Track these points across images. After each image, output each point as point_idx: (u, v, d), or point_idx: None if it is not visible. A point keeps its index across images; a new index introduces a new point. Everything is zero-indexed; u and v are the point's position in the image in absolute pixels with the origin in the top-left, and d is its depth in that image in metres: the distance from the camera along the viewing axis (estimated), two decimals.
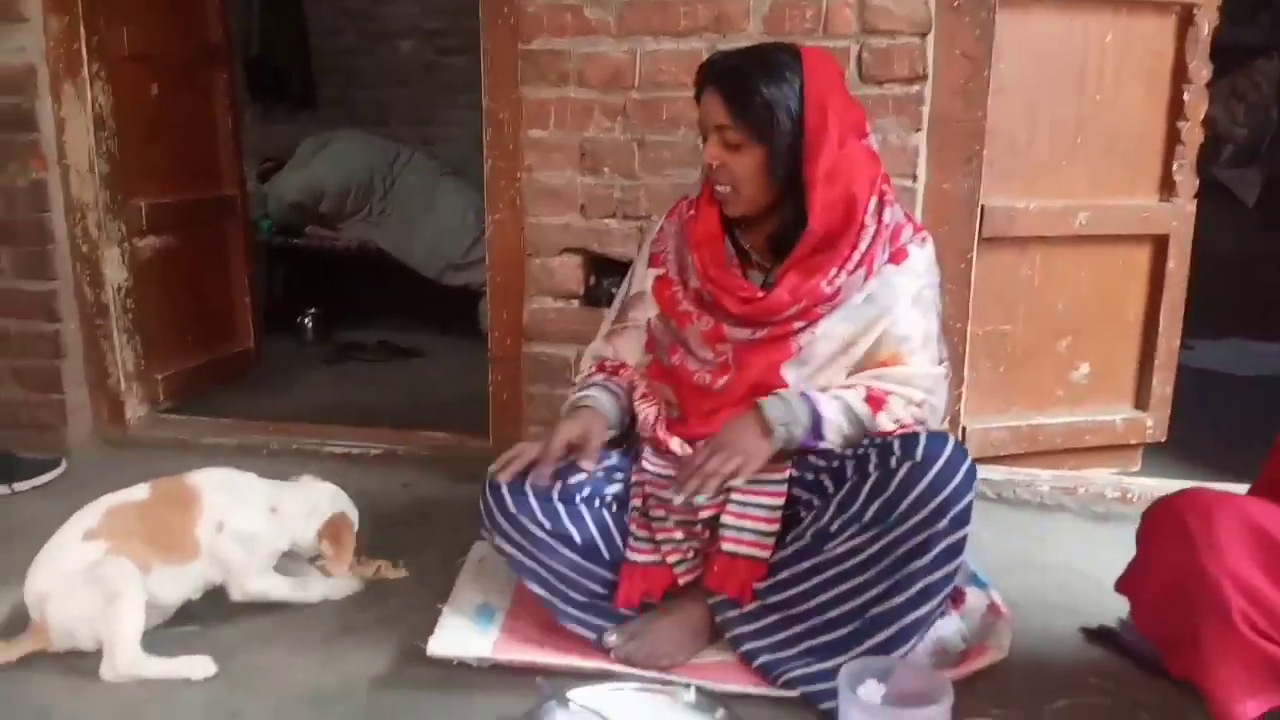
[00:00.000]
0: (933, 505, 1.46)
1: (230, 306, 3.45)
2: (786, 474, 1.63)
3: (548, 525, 1.64)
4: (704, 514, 1.62)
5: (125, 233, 2.83)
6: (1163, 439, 2.60)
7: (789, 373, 1.65)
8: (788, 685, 1.55)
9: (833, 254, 1.62)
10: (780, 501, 1.61)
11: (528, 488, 1.64)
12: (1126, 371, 2.59)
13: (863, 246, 1.62)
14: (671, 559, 1.65)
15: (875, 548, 1.50)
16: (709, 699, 1.51)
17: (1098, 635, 1.78)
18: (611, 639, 1.63)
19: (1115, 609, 1.77)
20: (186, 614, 1.78)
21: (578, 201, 2.39)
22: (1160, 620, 1.39)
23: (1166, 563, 1.34)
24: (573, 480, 1.68)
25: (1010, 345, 2.47)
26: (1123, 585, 1.49)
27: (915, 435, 1.53)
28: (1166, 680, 1.59)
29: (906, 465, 1.48)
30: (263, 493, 1.86)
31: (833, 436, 1.60)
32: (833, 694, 1.39)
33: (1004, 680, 1.61)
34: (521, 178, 2.40)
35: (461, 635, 1.68)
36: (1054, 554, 2.12)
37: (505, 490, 1.65)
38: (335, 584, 1.90)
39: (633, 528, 1.67)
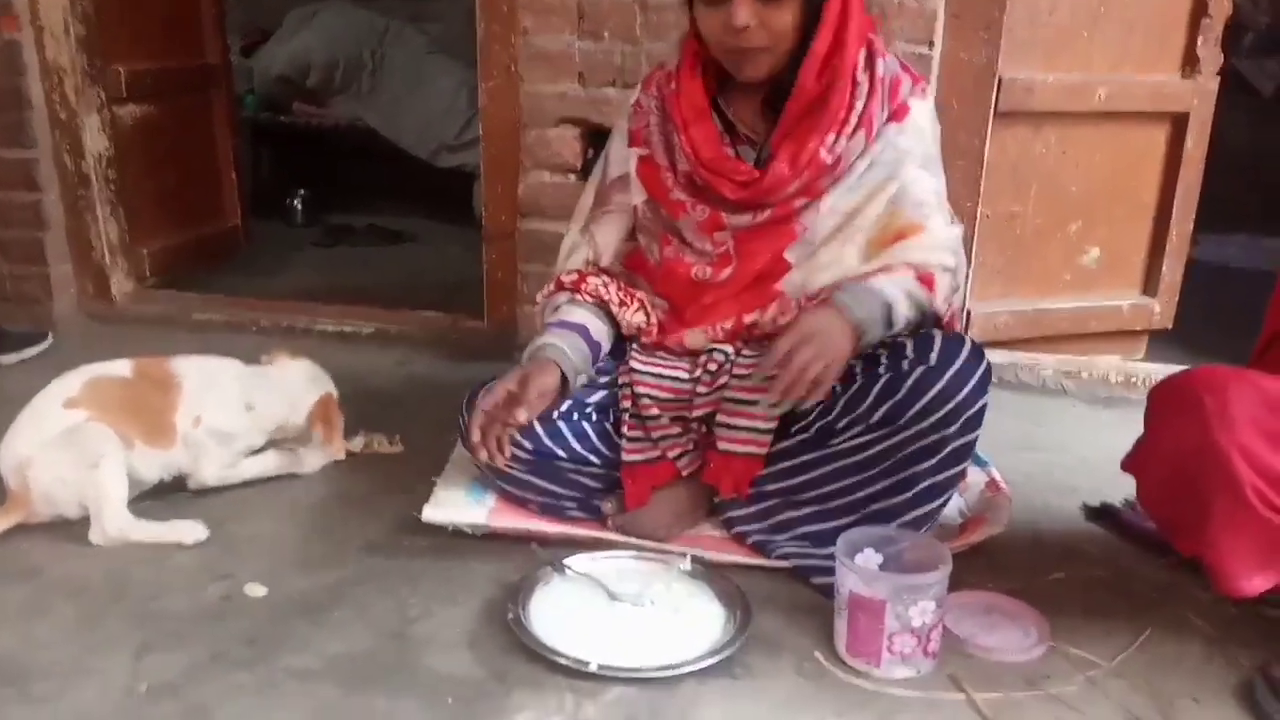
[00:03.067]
0: (944, 411, 1.41)
1: (216, 182, 3.36)
2: None
3: (529, 446, 1.57)
4: (697, 411, 1.57)
5: (104, 99, 2.73)
6: (1169, 326, 2.56)
7: (792, 254, 1.56)
8: (781, 559, 1.54)
9: (825, 114, 1.48)
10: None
11: None
12: (1136, 257, 2.53)
13: (858, 106, 1.49)
14: (672, 454, 1.59)
15: (881, 447, 1.46)
16: (704, 568, 1.49)
17: (1097, 513, 1.78)
18: (608, 506, 1.61)
19: (1116, 491, 1.77)
20: (177, 481, 1.76)
21: (575, 68, 2.27)
22: (1168, 497, 1.36)
23: (1177, 438, 1.31)
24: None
25: (1019, 227, 2.41)
26: (1129, 464, 1.46)
27: (929, 336, 1.46)
28: (1164, 556, 1.59)
29: (920, 369, 1.42)
30: (240, 388, 1.80)
31: (900, 328, 1.48)
32: (825, 569, 1.38)
33: (1001, 554, 1.60)
34: (516, 42, 2.28)
35: (456, 504, 1.66)
36: (1056, 437, 2.10)
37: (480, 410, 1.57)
38: (317, 458, 1.87)
39: (625, 430, 1.59)
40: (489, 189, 2.46)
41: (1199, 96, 2.40)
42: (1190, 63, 2.39)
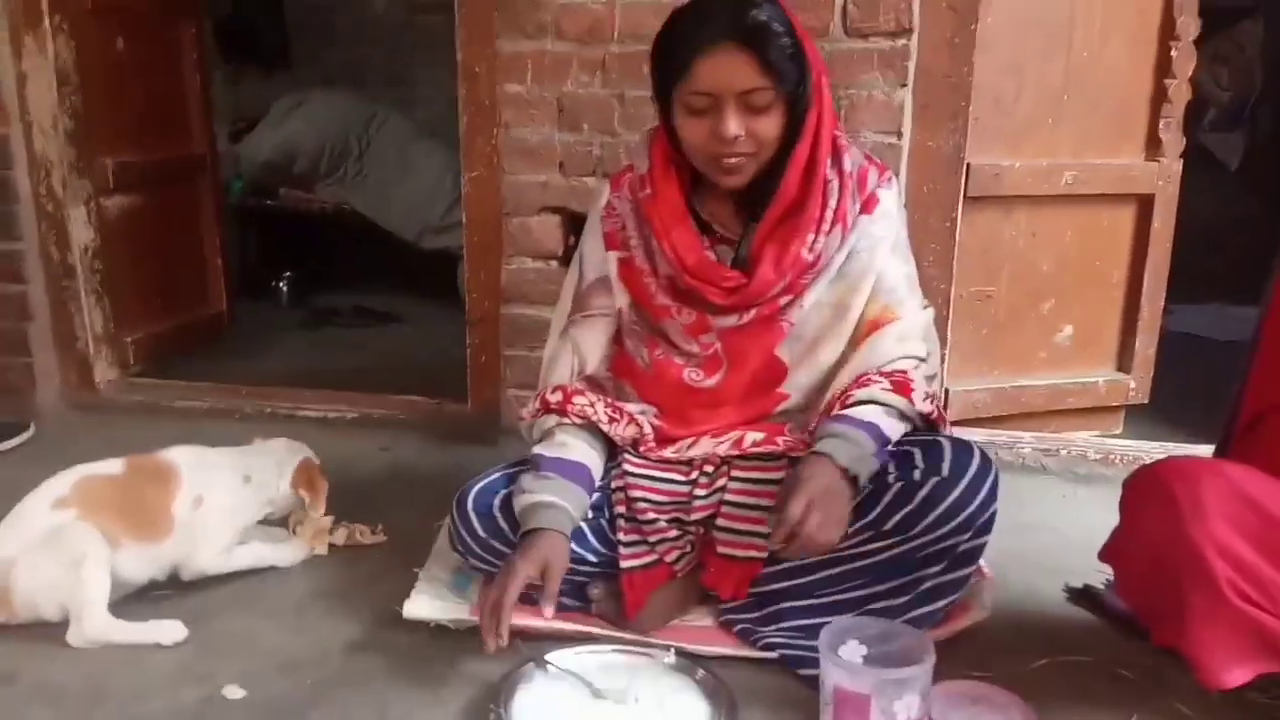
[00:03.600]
0: (958, 520, 1.42)
1: (202, 268, 3.39)
2: (783, 475, 1.55)
3: None
4: (696, 515, 1.58)
5: (92, 191, 2.76)
6: (1145, 401, 2.59)
7: (784, 352, 1.58)
8: (767, 648, 1.53)
9: (804, 216, 1.51)
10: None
11: (495, 512, 1.58)
12: (1109, 334, 2.58)
13: (832, 203, 1.52)
14: (670, 557, 1.58)
15: (891, 554, 1.46)
16: (689, 661, 1.49)
17: (1080, 595, 1.78)
18: (595, 591, 1.60)
19: (1097, 571, 1.77)
20: (158, 580, 1.75)
21: (556, 159, 2.33)
22: (1145, 589, 1.38)
23: (1151, 531, 1.32)
24: None
25: (994, 307, 2.46)
26: (1106, 554, 1.47)
27: (939, 445, 1.48)
28: (1147, 640, 1.58)
29: (933, 480, 1.43)
30: (233, 463, 1.83)
31: (895, 441, 1.50)
32: (813, 660, 1.37)
33: (986, 640, 1.59)
34: (498, 134, 2.34)
35: (438, 598, 1.65)
36: (1036, 516, 2.11)
37: (473, 516, 1.58)
38: (296, 551, 1.87)
39: (621, 536, 1.58)
40: (472, 275, 2.49)
41: (1163, 178, 2.47)
42: (1153, 146, 2.46)
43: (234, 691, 1.46)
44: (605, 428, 1.59)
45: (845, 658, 1.32)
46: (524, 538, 1.48)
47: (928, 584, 1.47)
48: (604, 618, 1.60)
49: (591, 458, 1.58)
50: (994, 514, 1.45)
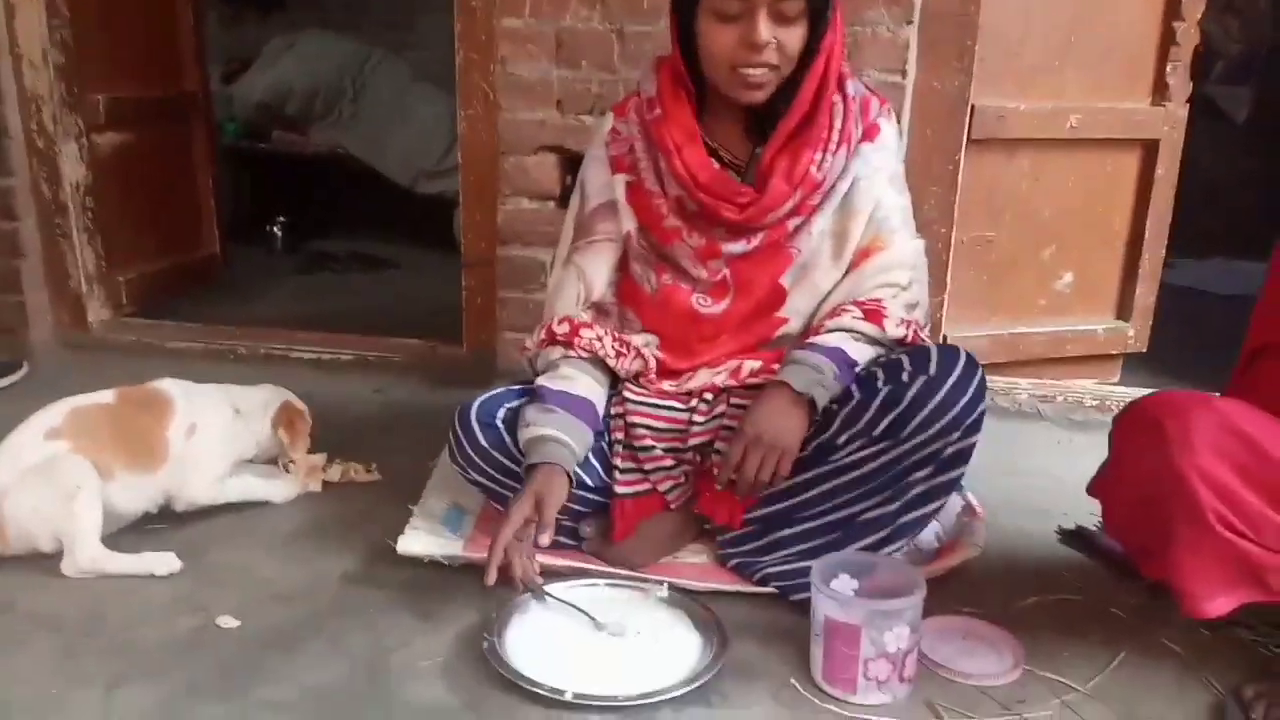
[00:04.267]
0: (947, 419, 1.42)
1: (195, 210, 3.35)
2: None
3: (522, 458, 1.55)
4: (693, 441, 1.58)
5: (83, 127, 2.72)
6: (1143, 349, 2.59)
7: (786, 278, 1.57)
8: (763, 582, 1.54)
9: (812, 132, 1.51)
10: None
11: (498, 422, 1.57)
12: (1110, 282, 2.56)
13: (838, 123, 1.52)
14: (663, 486, 1.60)
15: (882, 460, 1.47)
16: (682, 595, 1.49)
17: (1072, 537, 1.79)
18: (587, 530, 1.61)
19: (1090, 514, 1.77)
20: (153, 513, 1.75)
21: (554, 96, 2.30)
22: (1133, 521, 1.38)
23: (1140, 463, 1.32)
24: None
25: (994, 253, 2.44)
26: (1095, 488, 1.47)
27: (925, 349, 1.48)
28: (1139, 581, 1.59)
29: (920, 380, 1.43)
30: (223, 396, 1.84)
31: (864, 364, 1.51)
32: (806, 585, 1.37)
33: (977, 578, 1.60)
34: (495, 70, 2.30)
35: (432, 534, 1.65)
36: (1031, 461, 2.11)
37: (476, 425, 1.57)
38: (289, 487, 1.87)
39: (617, 461, 1.59)
40: (468, 216, 2.46)
41: (1169, 123, 2.43)
42: (1160, 91, 2.43)
43: (228, 621, 1.47)
44: (612, 362, 1.59)
45: (837, 590, 1.32)
46: (527, 472, 1.49)
47: (918, 489, 1.47)
48: (596, 555, 1.60)
49: (596, 392, 1.58)
50: (982, 413, 1.44)
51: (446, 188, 3.85)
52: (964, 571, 1.61)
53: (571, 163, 2.34)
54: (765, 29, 1.41)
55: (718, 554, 1.62)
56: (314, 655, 1.39)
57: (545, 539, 1.44)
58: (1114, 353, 2.59)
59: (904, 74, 2.13)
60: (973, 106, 2.21)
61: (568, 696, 1.27)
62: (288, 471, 1.90)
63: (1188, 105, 2.44)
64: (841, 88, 1.54)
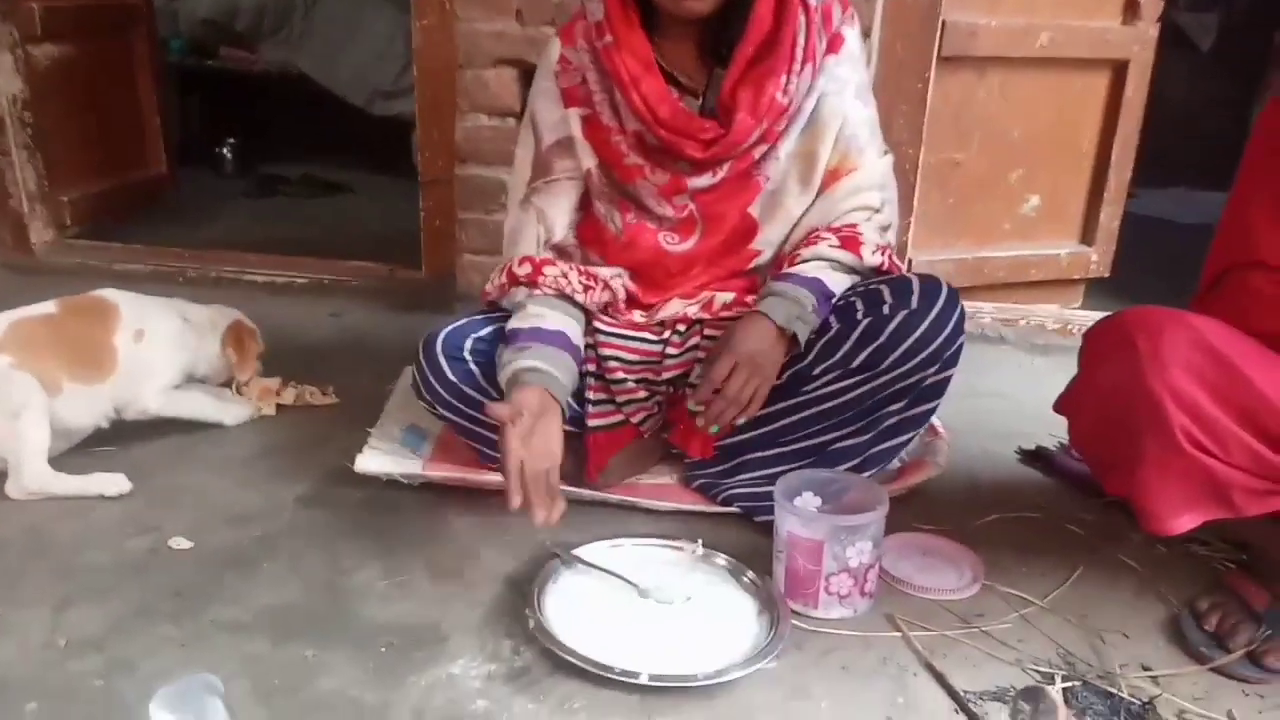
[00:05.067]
0: (926, 352, 1.41)
1: (140, 128, 3.23)
2: None
3: (494, 394, 1.47)
4: (667, 374, 1.54)
5: (18, 37, 2.60)
6: (1106, 274, 2.59)
7: (755, 208, 1.51)
8: (727, 502, 1.54)
9: (778, 54, 1.40)
10: None
11: (465, 354, 1.50)
12: (1075, 205, 2.56)
13: (801, 40, 1.41)
14: (636, 418, 1.56)
15: (858, 392, 1.45)
16: (717, 553, 1.41)
17: (1032, 457, 1.80)
18: None
19: (1050, 435, 1.79)
20: (103, 435, 1.70)
21: (513, 5, 2.20)
22: (1099, 437, 1.37)
23: (1109, 378, 1.31)
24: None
25: (962, 175, 2.41)
26: (1061, 404, 1.46)
27: (906, 281, 1.45)
28: (1096, 498, 1.62)
29: (902, 313, 1.41)
30: (170, 305, 1.79)
31: (841, 294, 1.47)
32: (770, 507, 1.36)
33: (938, 497, 1.61)
34: None
35: (391, 454, 1.62)
36: (993, 384, 2.12)
37: (442, 359, 1.49)
38: (241, 410, 1.83)
39: (589, 393, 1.55)
40: (424, 134, 2.39)
41: (1139, 43, 2.41)
42: (1131, 9, 2.39)
43: (180, 542, 1.44)
44: (580, 297, 1.51)
45: (800, 506, 1.32)
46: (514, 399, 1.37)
47: (891, 420, 1.47)
48: (563, 476, 1.57)
49: (570, 325, 1.49)
50: (960, 347, 1.43)
51: (403, 109, 3.74)
52: (926, 490, 1.62)
53: (531, 77, 2.26)
54: None
55: (685, 475, 1.60)
56: (270, 576, 1.37)
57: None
58: (1077, 278, 2.60)
59: None
60: (944, 22, 2.16)
61: (643, 679, 1.15)
62: (240, 394, 1.85)
63: (1158, 25, 2.41)
64: None
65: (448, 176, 2.38)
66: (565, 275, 1.51)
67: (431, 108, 2.35)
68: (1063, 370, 1.47)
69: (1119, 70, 2.42)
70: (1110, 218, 2.54)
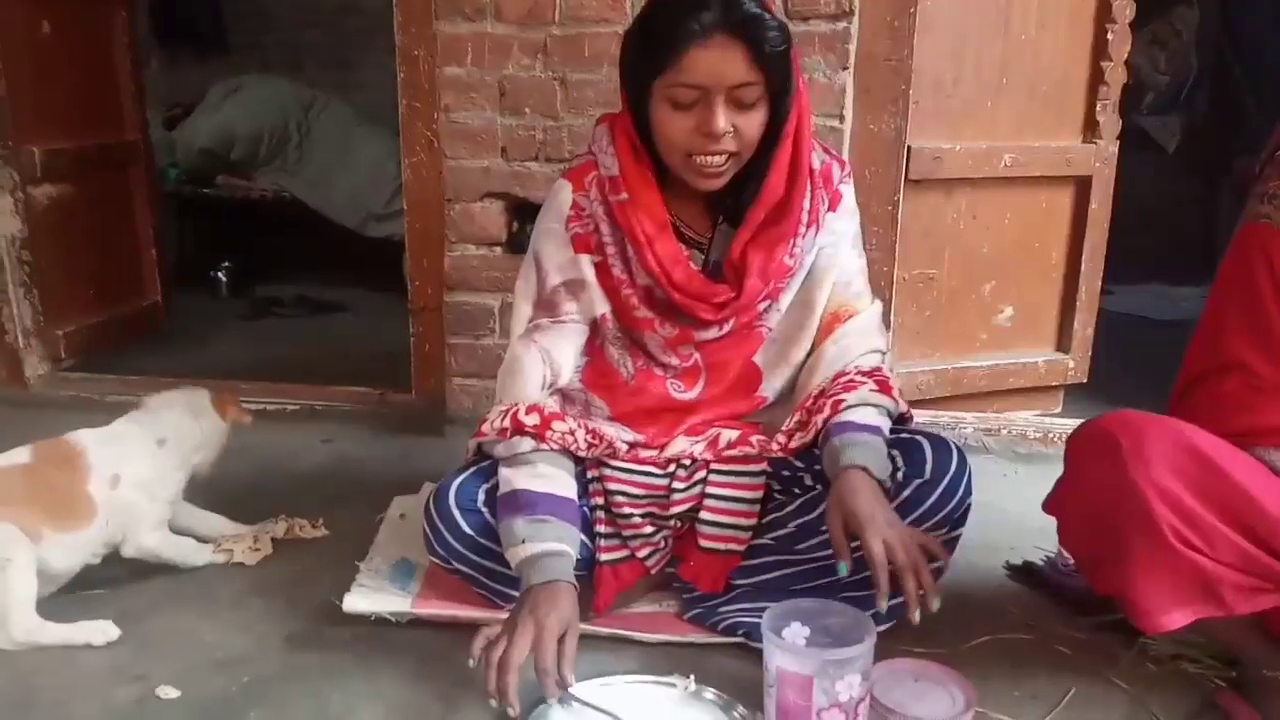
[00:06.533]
0: (937, 519, 1.43)
1: (136, 259, 3.30)
2: (763, 466, 1.55)
3: None
4: (675, 509, 1.55)
5: (18, 180, 2.68)
6: (1084, 380, 2.64)
7: (759, 357, 1.56)
8: (728, 631, 1.53)
9: (788, 220, 1.46)
10: (759, 495, 1.55)
11: (480, 506, 1.50)
12: (1049, 314, 2.62)
13: (807, 205, 1.48)
14: (642, 553, 1.56)
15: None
16: (715, 691, 1.40)
17: (1019, 572, 1.81)
18: None
19: (1036, 548, 1.80)
20: (90, 579, 1.69)
21: (498, 143, 2.30)
22: (1087, 536, 1.38)
23: (1095, 478, 1.32)
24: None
25: (936, 289, 2.48)
26: (1049, 505, 1.47)
27: (919, 445, 1.48)
28: (1086, 617, 1.62)
29: (915, 483, 1.44)
30: (141, 431, 1.76)
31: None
32: None
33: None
34: (439, 118, 2.30)
35: (379, 591, 1.62)
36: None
37: (456, 511, 1.49)
38: (242, 552, 1.83)
39: (599, 528, 1.55)
40: (414, 263, 2.45)
41: (1100, 160, 2.51)
42: (1090, 128, 2.50)
43: (168, 691, 1.43)
44: (583, 453, 1.52)
45: (788, 639, 1.32)
46: (534, 590, 1.37)
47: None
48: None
49: (573, 489, 1.50)
50: (969, 508, 1.46)
51: (395, 230, 3.81)
52: None
53: (518, 209, 2.35)
54: (723, 118, 1.35)
55: (681, 605, 1.59)
56: None
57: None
58: (1055, 384, 2.64)
59: (842, 118, 2.17)
60: (909, 148, 2.25)
61: None
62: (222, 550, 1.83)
63: (1118, 142, 2.51)
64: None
65: (437, 304, 2.44)
66: (572, 434, 1.50)
67: (421, 238, 2.42)
68: (1045, 478, 1.49)
69: (1083, 185, 2.51)
70: (1084, 325, 2.60)
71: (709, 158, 1.39)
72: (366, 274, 4.01)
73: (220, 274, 4.05)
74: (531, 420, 1.48)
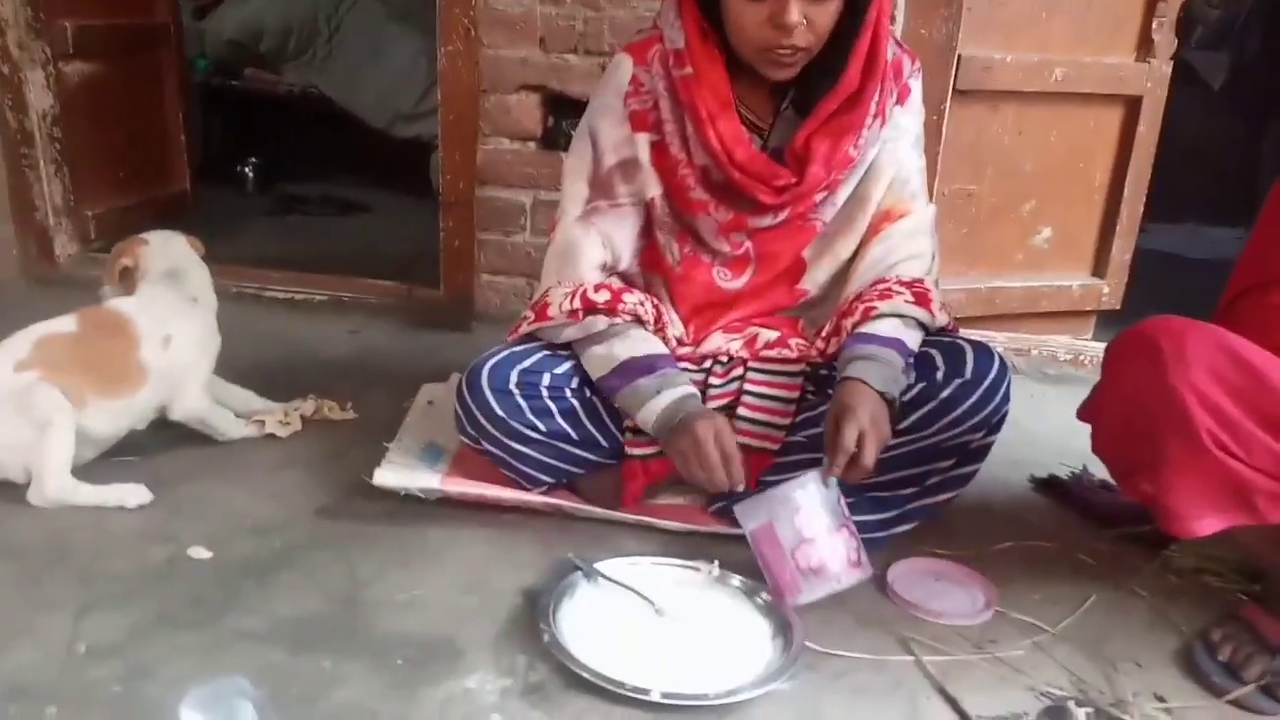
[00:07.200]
0: (977, 418, 1.43)
1: (164, 145, 3.27)
2: (801, 366, 1.55)
3: (541, 428, 1.50)
4: (711, 404, 1.53)
5: (50, 55, 2.63)
6: (1117, 306, 2.61)
7: (809, 250, 1.54)
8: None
9: (858, 111, 1.43)
10: (796, 394, 1.55)
11: (511, 387, 1.49)
12: (1087, 238, 2.57)
13: (877, 96, 1.44)
14: None
15: (904, 450, 1.45)
16: (736, 576, 1.41)
17: (1045, 485, 1.81)
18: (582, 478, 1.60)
19: (1062, 464, 1.80)
20: (125, 446, 1.72)
21: (537, 33, 2.25)
22: (1121, 440, 1.35)
23: (1133, 381, 1.30)
24: (559, 370, 1.53)
25: (975, 206, 2.43)
26: (1084, 412, 1.45)
27: (960, 348, 1.47)
28: (1108, 528, 1.63)
29: (956, 382, 1.43)
30: (175, 292, 1.77)
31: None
32: None
33: (950, 524, 1.61)
34: (476, 4, 2.25)
35: (409, 468, 1.63)
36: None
37: (489, 393, 1.48)
38: (274, 425, 1.85)
39: (629, 422, 1.53)
40: (447, 156, 2.42)
41: (1153, 80, 2.43)
42: (1145, 47, 2.42)
43: (200, 552, 1.45)
44: (650, 328, 1.51)
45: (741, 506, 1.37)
46: (691, 418, 1.41)
47: (935, 478, 1.49)
48: (590, 500, 1.58)
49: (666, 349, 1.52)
50: (1006, 413, 1.46)
51: (423, 131, 3.79)
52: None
53: (554, 102, 2.30)
54: (796, 10, 1.31)
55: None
56: (287, 587, 1.38)
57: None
58: (1088, 309, 2.61)
59: (893, 20, 2.10)
60: (959, 56, 2.19)
61: (654, 696, 1.16)
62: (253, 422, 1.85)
63: (1171, 63, 2.44)
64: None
65: (468, 198, 2.41)
66: (642, 304, 1.50)
67: (454, 131, 2.38)
68: (1074, 399, 1.48)
69: (1132, 106, 2.44)
70: (1122, 251, 2.55)
71: (781, 50, 1.35)
72: (393, 175, 3.97)
73: (247, 169, 4.01)
74: (601, 297, 1.48)
